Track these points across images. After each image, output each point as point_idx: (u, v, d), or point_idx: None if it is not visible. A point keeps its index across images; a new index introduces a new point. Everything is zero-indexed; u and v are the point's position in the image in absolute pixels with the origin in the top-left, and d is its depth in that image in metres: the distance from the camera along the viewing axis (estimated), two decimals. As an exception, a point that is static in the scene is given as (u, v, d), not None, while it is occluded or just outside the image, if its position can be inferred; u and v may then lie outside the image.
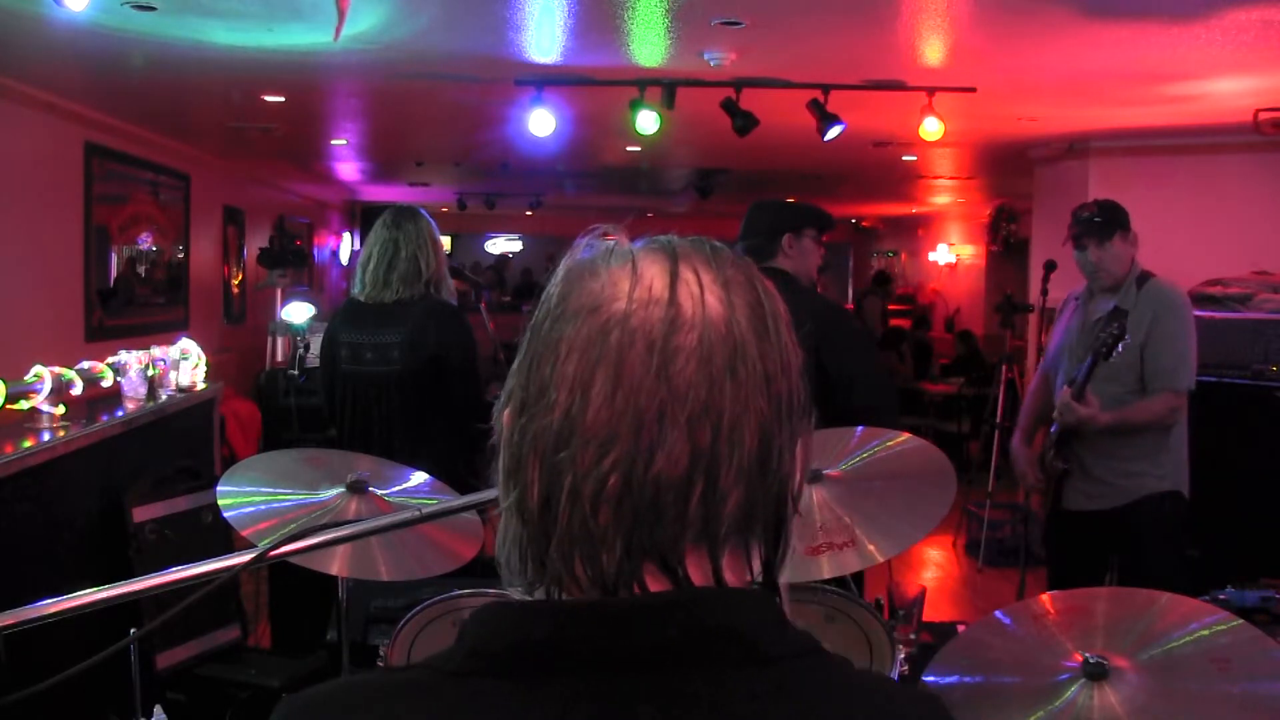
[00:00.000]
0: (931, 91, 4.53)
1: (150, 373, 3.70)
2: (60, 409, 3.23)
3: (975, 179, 8.80)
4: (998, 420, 6.57)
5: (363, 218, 12.88)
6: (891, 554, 1.77)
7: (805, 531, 1.75)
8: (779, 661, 0.69)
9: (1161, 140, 5.71)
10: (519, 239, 17.06)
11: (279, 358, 7.40)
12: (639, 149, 7.08)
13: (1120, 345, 3.11)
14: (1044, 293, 5.39)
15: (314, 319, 6.57)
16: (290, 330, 6.91)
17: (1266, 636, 1.32)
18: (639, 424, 0.67)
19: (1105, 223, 3.33)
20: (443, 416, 3.31)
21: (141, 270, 6.26)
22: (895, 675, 1.70)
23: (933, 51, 4.01)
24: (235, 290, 8.20)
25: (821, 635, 1.79)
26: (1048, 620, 1.44)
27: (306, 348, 6.00)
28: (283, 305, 7.33)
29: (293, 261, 8.38)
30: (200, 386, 4.07)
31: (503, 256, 17.03)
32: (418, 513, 1.37)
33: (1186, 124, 5.29)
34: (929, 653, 1.54)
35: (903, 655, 1.75)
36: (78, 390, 3.35)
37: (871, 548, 1.75)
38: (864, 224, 14.53)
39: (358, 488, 2.02)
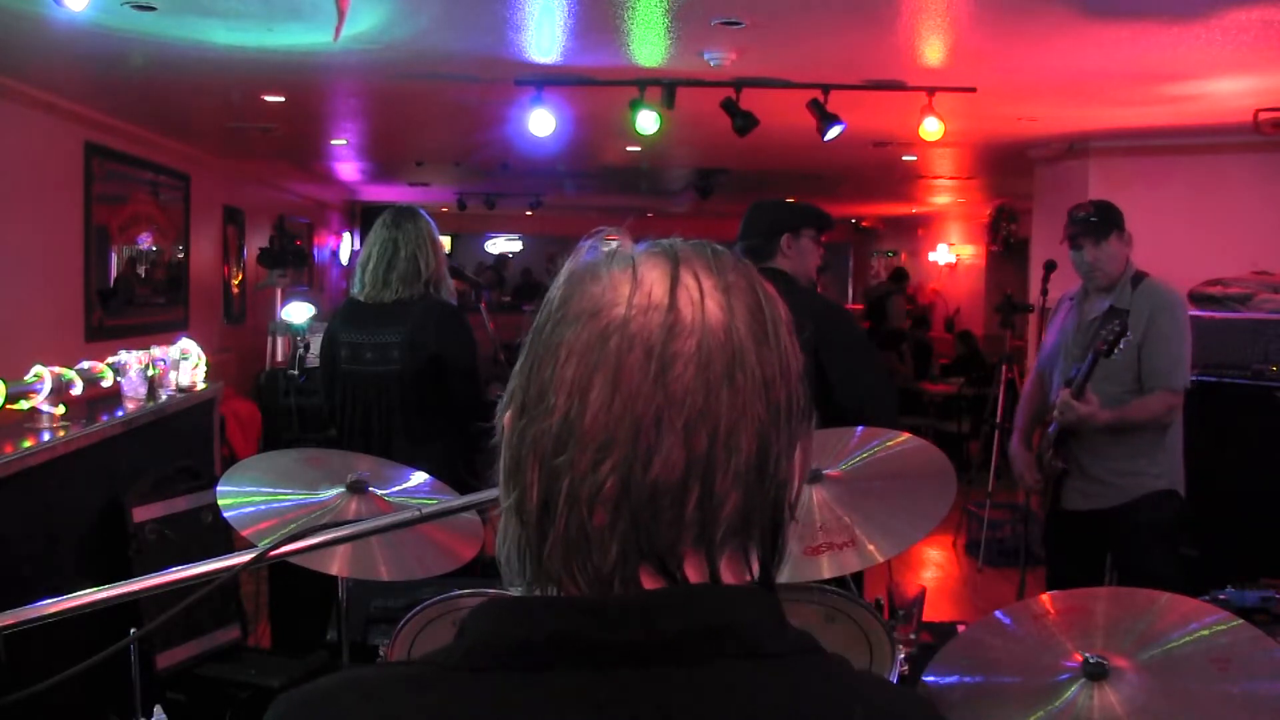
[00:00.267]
0: (931, 91, 4.53)
1: (150, 373, 3.70)
2: (60, 409, 3.23)
3: (975, 179, 8.80)
4: (998, 420, 6.57)
5: (363, 218, 12.88)
6: (891, 554, 1.77)
7: (805, 531, 1.75)
8: (778, 658, 0.69)
9: (1161, 140, 5.71)
10: (519, 239, 17.06)
11: (279, 358, 7.40)
12: (639, 149, 7.08)
13: (1123, 342, 3.12)
14: (1044, 293, 5.38)
15: (314, 319, 6.58)
16: (290, 330, 6.91)
17: (1266, 636, 1.31)
18: (636, 429, 0.67)
19: (1101, 222, 3.35)
20: (443, 416, 3.32)
21: (141, 270, 6.26)
22: (895, 675, 1.70)
23: (933, 51, 4.01)
24: (235, 290, 8.20)
25: (821, 635, 1.79)
26: (1048, 620, 1.44)
27: (306, 348, 6.00)
28: (283, 305, 7.33)
29: (293, 261, 8.39)
30: (200, 386, 4.07)
31: (502, 256, 17.03)
32: (418, 513, 1.37)
33: (1186, 124, 5.29)
34: (929, 653, 1.54)
35: (903, 655, 1.75)
36: (78, 390, 3.35)
37: (871, 548, 1.75)
38: (864, 224, 14.53)
39: (358, 488, 2.02)
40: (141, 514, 3.22)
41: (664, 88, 4.51)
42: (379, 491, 2.05)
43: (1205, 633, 1.34)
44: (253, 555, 1.23)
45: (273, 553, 1.25)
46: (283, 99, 5.26)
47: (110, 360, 3.64)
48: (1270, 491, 4.42)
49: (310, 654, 3.27)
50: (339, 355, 3.39)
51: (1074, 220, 3.41)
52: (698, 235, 0.77)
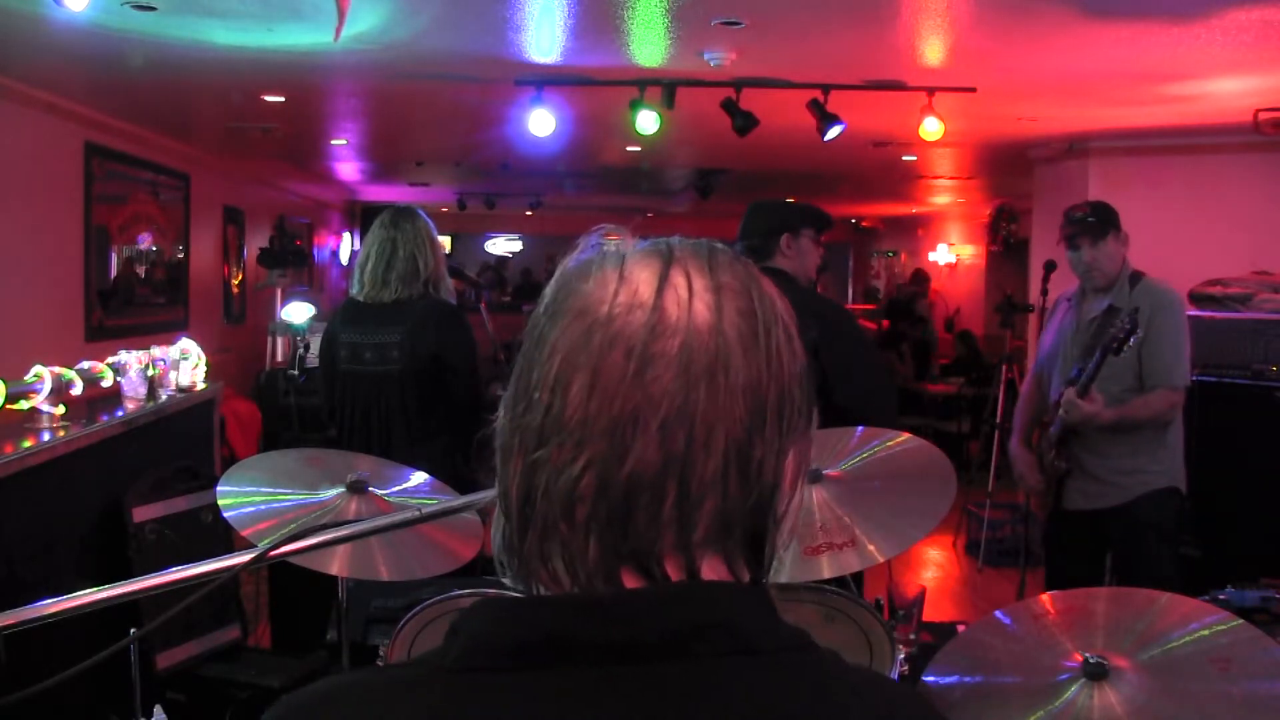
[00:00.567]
0: (931, 91, 4.53)
1: (150, 373, 3.70)
2: (60, 409, 3.23)
3: (975, 179, 8.80)
4: (998, 420, 6.57)
5: (363, 218, 12.88)
6: (891, 554, 1.77)
7: (805, 531, 1.75)
8: (771, 653, 0.69)
9: (1161, 140, 5.71)
10: (519, 239, 17.05)
11: (279, 358, 7.41)
12: (639, 149, 7.08)
13: (1132, 339, 3.13)
14: (1044, 293, 5.37)
15: (314, 319, 6.58)
16: (290, 330, 6.92)
17: (1266, 636, 1.31)
18: (612, 427, 0.68)
19: (1098, 223, 3.39)
20: (442, 416, 3.32)
21: (141, 270, 6.26)
22: (895, 675, 1.70)
23: (933, 51, 4.01)
24: (235, 290, 8.20)
25: (821, 635, 1.78)
26: (1048, 620, 1.44)
27: (306, 348, 6.01)
28: (283, 305, 7.33)
29: (293, 261, 8.39)
30: (200, 386, 4.07)
31: (502, 257, 17.02)
32: (418, 513, 1.37)
33: (1186, 124, 5.29)
34: (929, 653, 1.54)
35: (903, 655, 1.75)
36: (78, 390, 3.35)
37: (871, 548, 1.74)
38: (864, 224, 14.52)
39: (358, 488, 2.02)
40: (141, 514, 3.22)
41: (664, 88, 4.51)
42: (379, 491, 2.05)
43: (1205, 633, 1.34)
44: (253, 555, 1.24)
45: (273, 553, 1.25)
46: (283, 99, 5.26)
47: (110, 360, 3.64)
48: (1270, 491, 4.42)
49: (310, 654, 3.27)
50: (338, 355, 3.39)
51: (1071, 221, 3.44)
52: (698, 235, 0.77)
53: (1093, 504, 3.42)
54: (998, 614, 1.50)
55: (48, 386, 3.21)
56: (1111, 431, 3.31)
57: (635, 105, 4.61)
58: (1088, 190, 5.83)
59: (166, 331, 5.62)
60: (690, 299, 0.70)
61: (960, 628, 1.78)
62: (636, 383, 0.68)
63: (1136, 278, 3.41)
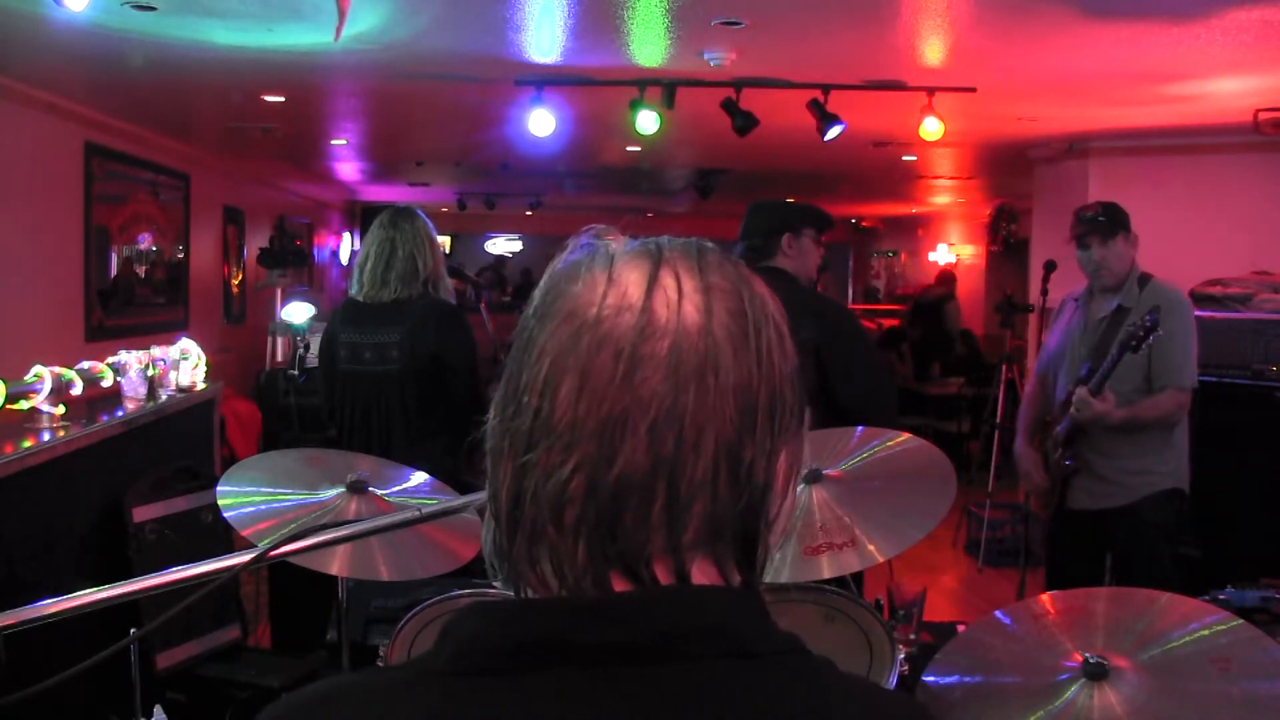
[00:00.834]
0: (931, 91, 4.53)
1: (150, 373, 3.70)
2: (60, 409, 3.23)
3: (975, 179, 8.80)
4: (998, 420, 6.57)
5: (363, 218, 12.87)
6: (891, 554, 1.77)
7: (805, 531, 1.75)
8: (764, 657, 0.69)
9: (1161, 140, 5.71)
10: (519, 239, 17.05)
11: (279, 358, 7.41)
12: (639, 149, 7.07)
13: (1152, 338, 3.14)
14: (1044, 293, 5.38)
15: (314, 319, 6.58)
16: (290, 330, 6.92)
17: (1266, 636, 1.31)
18: (601, 429, 0.67)
19: (1109, 222, 3.41)
20: (442, 416, 3.32)
21: (141, 270, 6.26)
22: (895, 675, 1.70)
23: (933, 51, 4.01)
24: (235, 290, 8.20)
25: (821, 635, 1.79)
26: (1048, 620, 1.44)
27: (306, 348, 6.01)
28: (283, 305, 7.33)
29: (293, 261, 8.39)
30: (200, 386, 4.07)
31: (501, 257, 17.00)
32: (418, 513, 1.37)
33: (1186, 124, 5.29)
34: (929, 653, 1.53)
35: (903, 655, 1.75)
36: (78, 390, 3.35)
37: (871, 548, 1.74)
38: (864, 224, 14.52)
39: (358, 488, 2.02)
40: (141, 514, 3.22)
41: (664, 88, 4.51)
42: (379, 491, 2.05)
43: (1205, 633, 1.34)
44: (253, 555, 1.24)
45: (273, 553, 1.25)
46: (283, 99, 5.26)
47: (110, 360, 3.64)
48: (1270, 491, 4.42)
49: (310, 654, 3.27)
50: (338, 355, 3.39)
51: (1082, 220, 3.47)
52: (698, 235, 0.77)
53: (1098, 504, 3.43)
54: (998, 614, 1.50)
55: (48, 386, 3.21)
56: (1119, 432, 3.33)
57: (635, 105, 4.61)
58: (1088, 190, 5.83)
59: (166, 331, 5.62)
60: (679, 300, 0.70)
61: (960, 628, 1.78)
62: (625, 385, 0.68)
63: (1145, 279, 3.44)
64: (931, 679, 1.42)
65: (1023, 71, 4.32)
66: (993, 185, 9.13)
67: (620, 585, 0.69)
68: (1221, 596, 2.72)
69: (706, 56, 4.07)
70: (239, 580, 3.63)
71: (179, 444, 3.84)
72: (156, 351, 3.86)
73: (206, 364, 4.17)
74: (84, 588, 1.20)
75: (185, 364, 4.00)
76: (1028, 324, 6.96)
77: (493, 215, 12.74)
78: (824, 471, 1.84)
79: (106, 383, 3.59)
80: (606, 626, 0.67)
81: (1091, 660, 1.32)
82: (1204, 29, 3.51)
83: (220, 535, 3.39)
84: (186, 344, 4.12)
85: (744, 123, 4.56)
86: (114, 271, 5.85)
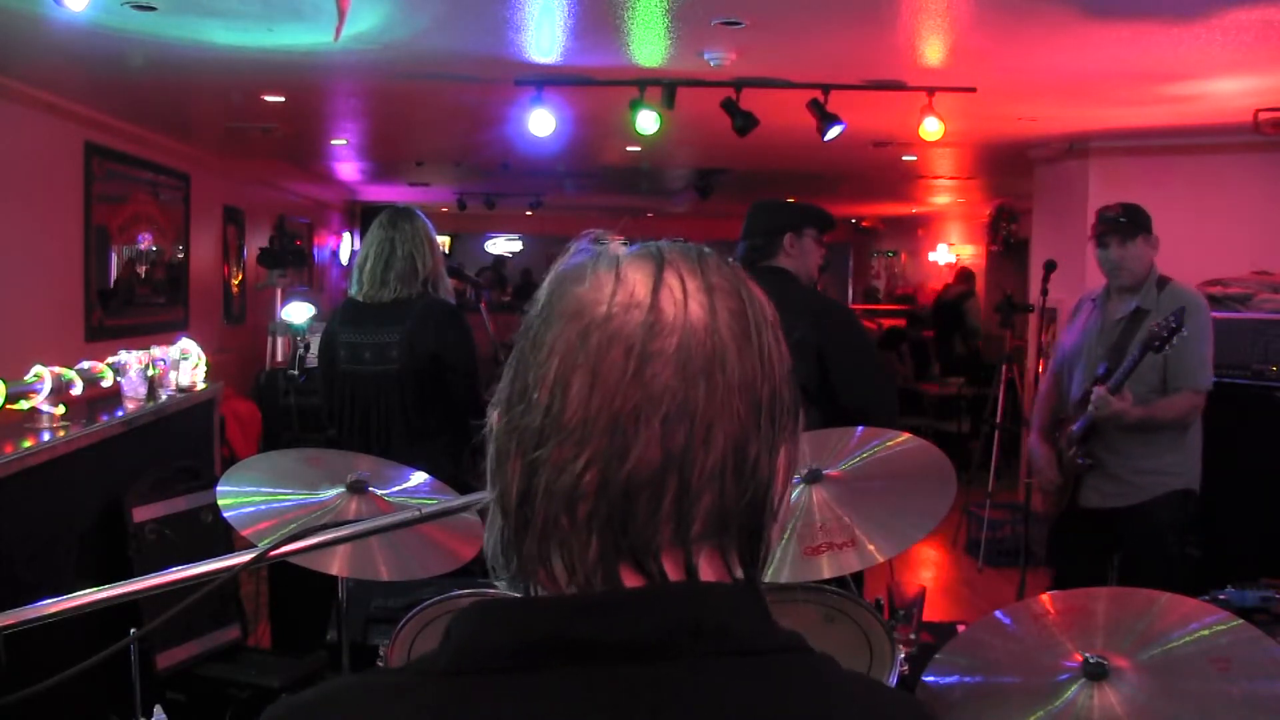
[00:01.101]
0: (931, 91, 4.53)
1: (150, 373, 3.70)
2: (60, 409, 3.23)
3: (975, 179, 8.80)
4: (998, 420, 6.57)
5: (363, 218, 12.88)
6: (891, 554, 1.77)
7: (805, 531, 1.75)
8: (768, 654, 0.70)
9: (1161, 140, 5.71)
10: (519, 239, 17.05)
11: (279, 358, 7.41)
12: (639, 149, 7.08)
13: (1175, 338, 3.15)
14: (1044, 293, 5.38)
15: (314, 319, 6.58)
16: (290, 330, 6.92)
17: (1266, 636, 1.31)
18: (613, 424, 0.68)
19: (1129, 223, 3.44)
20: (442, 416, 3.32)
21: (141, 270, 6.26)
22: (895, 675, 1.70)
23: (933, 51, 4.01)
24: (235, 290, 8.20)
25: (821, 635, 1.79)
26: (1048, 620, 1.44)
27: (306, 348, 6.01)
28: (283, 305, 7.33)
29: (293, 261, 8.38)
30: (200, 386, 4.07)
31: (500, 257, 17.00)
32: (418, 513, 1.37)
33: (1186, 124, 5.29)
34: (929, 653, 1.53)
35: (903, 655, 1.75)
36: (78, 390, 3.35)
37: (871, 548, 1.74)
38: (864, 224, 14.53)
39: (358, 488, 2.02)
40: (141, 514, 3.22)
41: (664, 88, 4.51)
42: (379, 491, 2.05)
43: (1205, 633, 1.34)
44: (253, 555, 1.24)
45: (273, 553, 1.25)
46: (283, 99, 5.26)
47: (110, 360, 3.64)
48: (1270, 492, 4.42)
49: (310, 654, 3.27)
50: (338, 355, 3.39)
51: (1103, 220, 3.50)
52: (698, 235, 0.78)
53: (1108, 503, 3.44)
54: (998, 614, 1.50)
55: (48, 386, 3.21)
56: (1134, 431, 3.34)
57: (635, 105, 4.61)
58: (1088, 190, 5.83)
59: (166, 331, 5.62)
60: (685, 299, 0.71)
61: (960, 628, 1.78)
62: (636, 380, 0.68)
63: (1164, 281, 3.46)
64: (931, 679, 1.42)
65: (1023, 71, 4.32)
66: (993, 185, 9.14)
67: (630, 578, 0.69)
68: (1221, 596, 2.72)
69: (706, 56, 4.07)
70: (239, 580, 3.63)
71: (179, 444, 3.84)
72: (156, 351, 3.87)
73: (206, 364, 4.17)
74: (84, 588, 1.20)
75: (185, 364, 4.00)
76: (1027, 324, 6.97)
77: (493, 215, 12.74)
78: (824, 471, 1.84)
79: (106, 383, 3.59)
80: (609, 625, 0.67)
81: (1091, 660, 1.32)
82: (1204, 29, 3.51)
83: (220, 535, 3.39)
84: (186, 344, 4.12)
85: (744, 123, 4.56)
86: (114, 271, 5.85)
